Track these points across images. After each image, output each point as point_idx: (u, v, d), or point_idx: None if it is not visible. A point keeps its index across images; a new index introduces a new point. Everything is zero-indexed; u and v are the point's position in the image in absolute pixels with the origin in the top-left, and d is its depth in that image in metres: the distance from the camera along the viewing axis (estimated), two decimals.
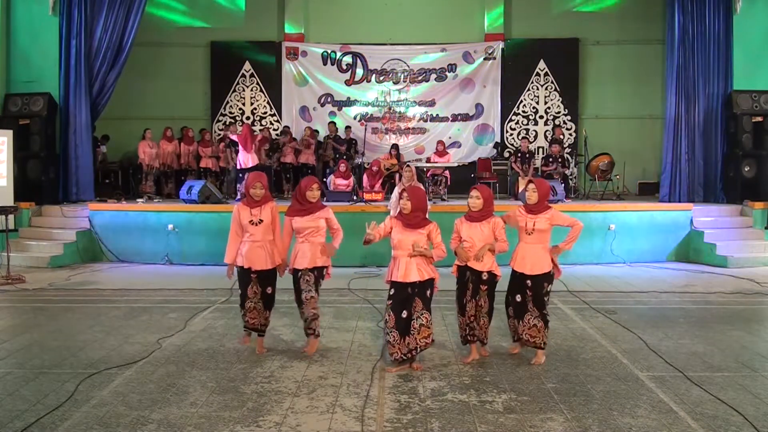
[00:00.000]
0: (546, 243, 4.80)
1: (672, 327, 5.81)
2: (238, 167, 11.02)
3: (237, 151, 11.16)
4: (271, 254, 4.98)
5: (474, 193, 4.81)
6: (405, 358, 4.54)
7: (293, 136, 12.83)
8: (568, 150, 13.35)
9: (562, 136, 12.96)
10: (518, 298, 4.80)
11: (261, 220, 4.93)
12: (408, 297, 4.55)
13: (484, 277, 4.72)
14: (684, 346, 5.19)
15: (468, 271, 4.74)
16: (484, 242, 4.72)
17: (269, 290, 5.02)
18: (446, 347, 5.16)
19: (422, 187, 6.29)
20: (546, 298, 4.77)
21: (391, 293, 4.63)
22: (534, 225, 4.74)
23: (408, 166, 8.15)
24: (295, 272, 4.99)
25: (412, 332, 4.52)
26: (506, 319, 5.01)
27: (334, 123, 13.36)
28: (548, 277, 4.77)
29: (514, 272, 4.84)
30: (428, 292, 4.61)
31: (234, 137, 11.04)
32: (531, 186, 4.88)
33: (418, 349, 4.56)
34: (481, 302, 4.74)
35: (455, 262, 4.85)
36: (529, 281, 4.73)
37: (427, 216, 4.78)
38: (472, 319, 4.75)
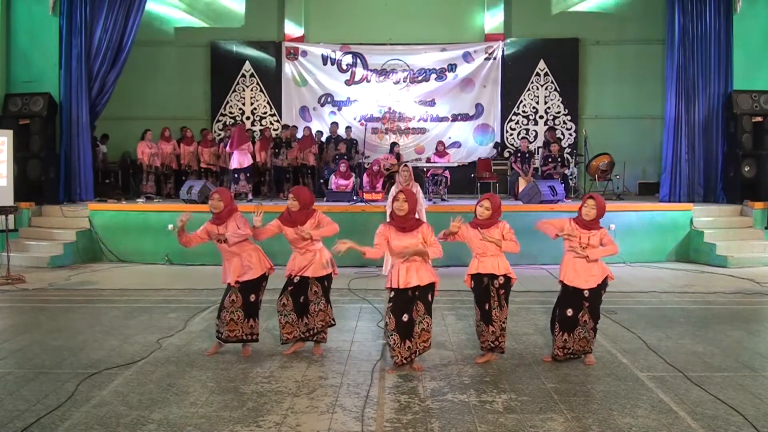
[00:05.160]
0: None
1: (672, 327, 5.82)
2: (233, 167, 11.05)
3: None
4: (252, 263, 4.88)
5: (485, 203, 4.70)
6: (405, 361, 4.53)
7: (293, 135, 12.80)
8: (568, 150, 13.34)
9: (556, 138, 12.83)
10: (569, 312, 4.68)
11: (225, 238, 4.85)
12: (408, 301, 4.53)
13: (501, 281, 4.67)
14: (684, 346, 5.19)
15: (485, 277, 4.69)
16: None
17: (252, 298, 4.93)
18: (446, 347, 5.16)
19: (419, 187, 6.27)
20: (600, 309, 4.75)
21: (391, 296, 4.62)
22: (589, 240, 4.68)
23: (405, 166, 8.18)
24: (290, 277, 4.91)
25: (413, 336, 4.52)
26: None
27: (337, 124, 13.33)
28: (604, 287, 4.74)
29: (565, 287, 4.75)
30: (429, 296, 4.60)
31: (228, 149, 11.21)
32: (590, 202, 4.70)
33: (417, 353, 4.57)
34: (502, 309, 4.69)
35: (468, 272, 4.79)
36: (586, 292, 4.67)
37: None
38: (499, 331, 4.68)
